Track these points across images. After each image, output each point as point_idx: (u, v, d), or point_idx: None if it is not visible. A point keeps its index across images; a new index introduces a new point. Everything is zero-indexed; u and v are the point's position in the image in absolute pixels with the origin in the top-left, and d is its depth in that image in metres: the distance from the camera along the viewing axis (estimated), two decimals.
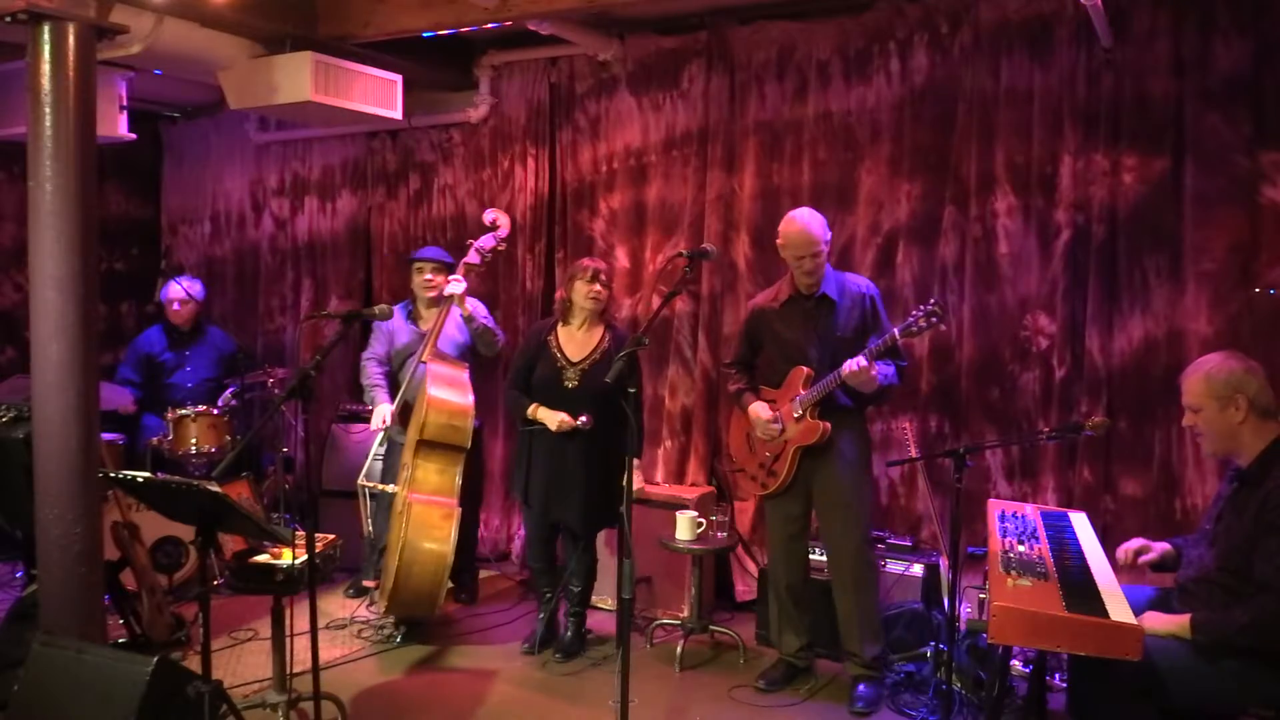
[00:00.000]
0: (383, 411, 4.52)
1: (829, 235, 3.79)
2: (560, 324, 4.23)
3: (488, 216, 4.71)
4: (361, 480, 4.37)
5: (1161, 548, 3.10)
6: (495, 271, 5.56)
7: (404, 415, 4.47)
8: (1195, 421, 2.87)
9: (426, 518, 4.06)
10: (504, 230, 4.67)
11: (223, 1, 4.07)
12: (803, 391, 3.74)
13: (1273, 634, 2.59)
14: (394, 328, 4.75)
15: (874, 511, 4.14)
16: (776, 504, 3.93)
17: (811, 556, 4.03)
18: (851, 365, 3.55)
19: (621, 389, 2.97)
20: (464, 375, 4.35)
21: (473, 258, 4.61)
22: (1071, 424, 3.50)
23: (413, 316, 4.77)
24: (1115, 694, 2.68)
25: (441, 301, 4.56)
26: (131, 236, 6.81)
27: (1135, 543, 3.13)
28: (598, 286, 4.13)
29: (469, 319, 4.53)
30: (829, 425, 3.71)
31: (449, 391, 4.23)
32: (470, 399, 4.26)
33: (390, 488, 4.34)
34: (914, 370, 4.34)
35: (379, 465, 4.59)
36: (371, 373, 4.73)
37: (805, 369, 3.76)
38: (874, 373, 3.58)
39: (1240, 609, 2.65)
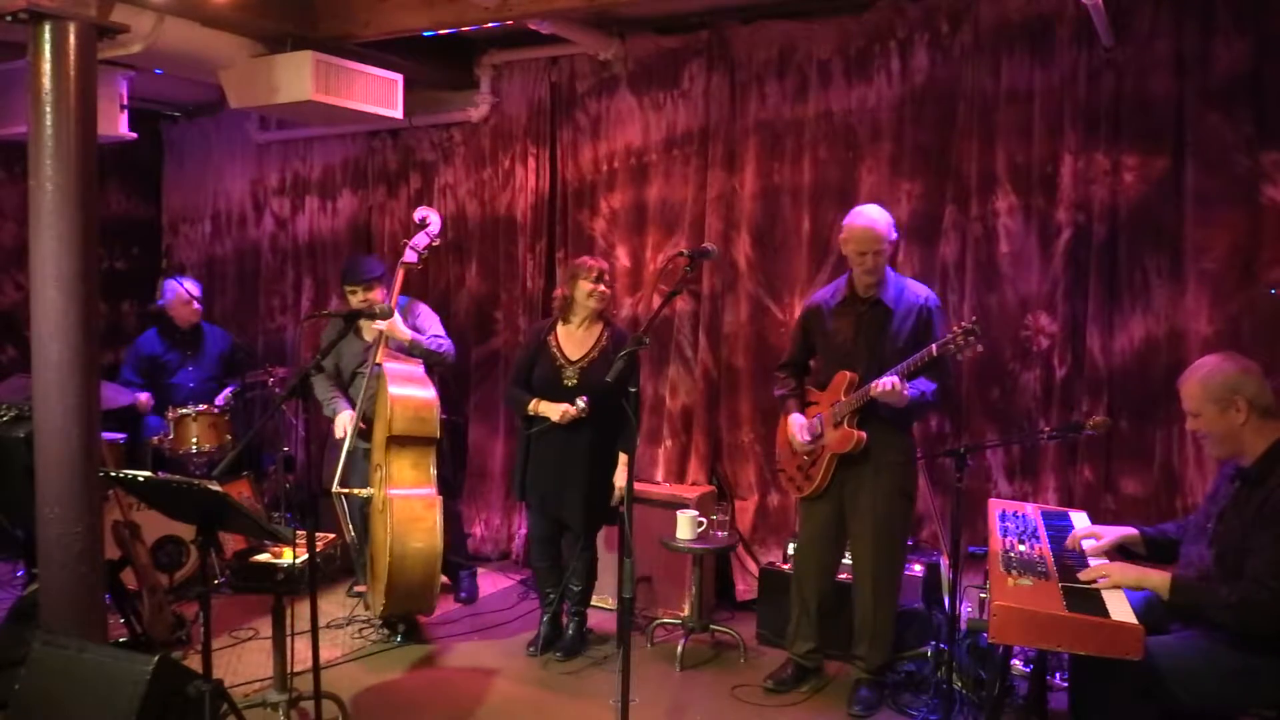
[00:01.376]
0: (343, 420, 4.51)
1: (895, 236, 3.71)
2: (560, 323, 4.24)
3: (418, 215, 4.69)
4: (335, 488, 4.33)
5: (1119, 533, 3.08)
6: (496, 271, 5.57)
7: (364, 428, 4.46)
8: (1198, 426, 2.86)
9: (409, 511, 4.08)
10: (435, 227, 4.65)
11: (223, 1, 4.07)
12: (842, 399, 3.66)
13: (1250, 621, 2.62)
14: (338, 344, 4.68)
15: (910, 522, 3.99)
16: (810, 508, 3.87)
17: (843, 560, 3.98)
18: (883, 384, 3.46)
19: (622, 388, 2.97)
20: (420, 370, 4.37)
21: (410, 257, 4.58)
22: (1072, 423, 3.50)
23: (355, 330, 4.60)
24: (1117, 694, 2.68)
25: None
26: (132, 236, 6.81)
27: (1083, 530, 3.13)
28: (602, 287, 4.13)
29: (413, 346, 4.43)
30: (864, 435, 3.62)
31: (410, 387, 4.25)
32: (432, 391, 4.28)
33: (364, 491, 4.31)
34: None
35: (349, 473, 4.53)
36: (325, 388, 4.65)
37: (849, 374, 3.66)
38: (904, 391, 3.48)
39: (1229, 588, 2.67)
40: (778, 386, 4.02)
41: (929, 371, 3.57)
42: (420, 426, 4.20)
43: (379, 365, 4.34)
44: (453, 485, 4.95)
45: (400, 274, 4.56)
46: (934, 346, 3.43)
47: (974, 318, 3.45)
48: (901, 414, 3.65)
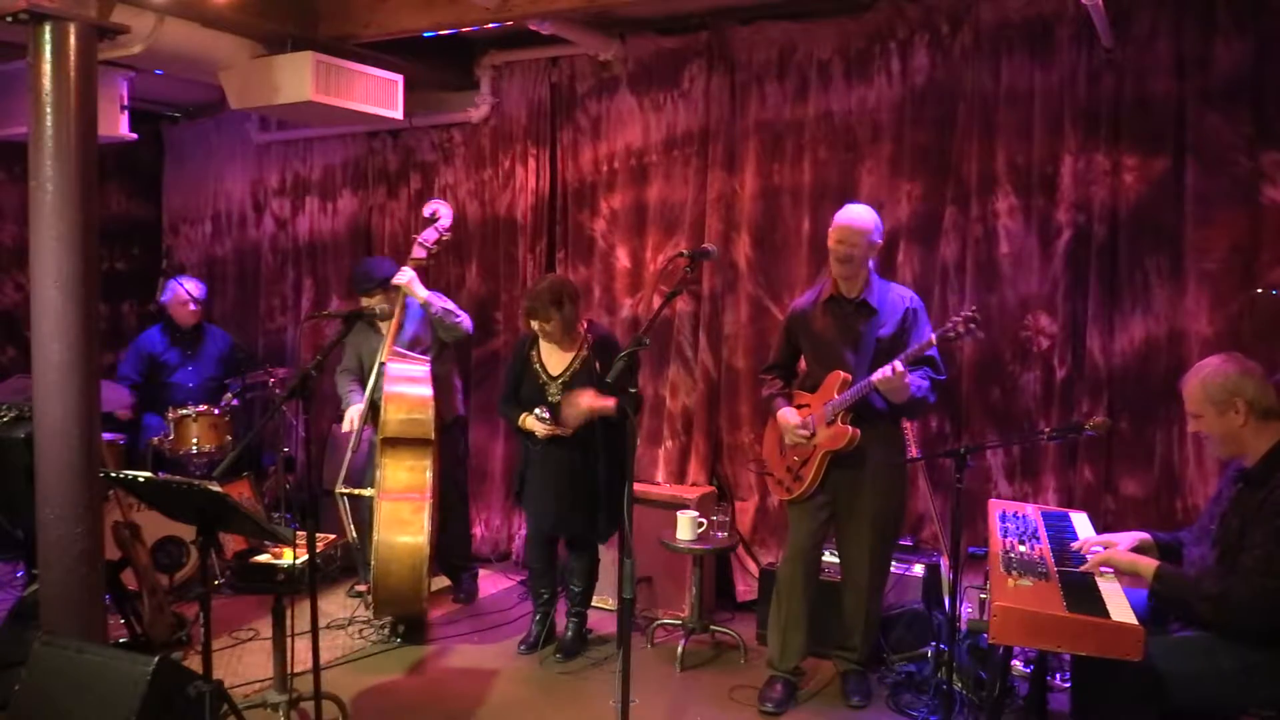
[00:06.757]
0: (352, 412, 4.55)
1: (878, 239, 3.71)
2: None
3: (427, 209, 4.73)
4: (338, 487, 4.36)
5: (1132, 538, 3.07)
6: (496, 271, 5.57)
7: (375, 417, 4.46)
8: (1199, 427, 2.88)
9: (396, 515, 4.12)
10: (445, 221, 4.68)
11: (224, 1, 4.07)
12: (837, 396, 3.65)
13: (1227, 616, 2.64)
14: (360, 339, 4.73)
15: (903, 522, 3.99)
16: (801, 510, 3.81)
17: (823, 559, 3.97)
18: (885, 371, 3.47)
19: (621, 389, 2.97)
20: (422, 369, 4.38)
21: (418, 253, 4.63)
22: (1072, 424, 3.50)
23: (374, 326, 4.68)
24: (1118, 695, 2.68)
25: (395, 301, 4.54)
26: (132, 236, 6.82)
27: (1096, 538, 3.12)
28: (535, 324, 4.07)
29: (425, 305, 4.54)
30: (858, 431, 3.62)
31: (405, 386, 4.27)
32: (428, 391, 4.29)
33: (367, 491, 4.32)
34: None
35: (357, 470, 4.57)
36: (346, 383, 4.77)
37: (842, 374, 3.66)
38: (907, 380, 3.49)
39: (1211, 580, 2.68)
40: (765, 388, 4.03)
41: (924, 366, 3.59)
42: (413, 428, 4.21)
43: (383, 364, 4.36)
44: (462, 485, 4.96)
45: (410, 268, 4.59)
46: (934, 335, 3.44)
47: (974, 307, 3.46)
48: (896, 411, 3.67)
